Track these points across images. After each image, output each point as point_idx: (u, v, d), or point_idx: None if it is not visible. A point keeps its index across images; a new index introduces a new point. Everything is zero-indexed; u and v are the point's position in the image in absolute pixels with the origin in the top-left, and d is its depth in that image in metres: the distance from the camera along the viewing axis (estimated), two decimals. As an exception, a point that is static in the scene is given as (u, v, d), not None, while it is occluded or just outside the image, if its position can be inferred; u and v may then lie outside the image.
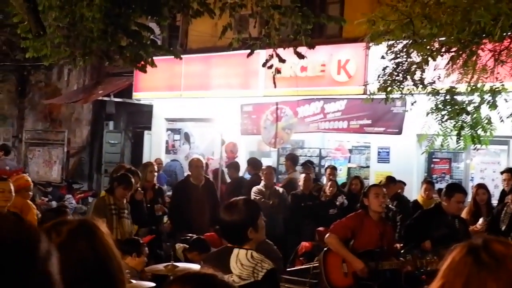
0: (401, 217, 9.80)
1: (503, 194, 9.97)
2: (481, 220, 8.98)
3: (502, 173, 10.34)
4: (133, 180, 8.66)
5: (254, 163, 13.45)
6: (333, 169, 13.12)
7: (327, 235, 7.52)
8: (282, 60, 8.82)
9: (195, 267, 5.83)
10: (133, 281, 5.84)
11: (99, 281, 1.99)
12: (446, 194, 7.82)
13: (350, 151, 16.13)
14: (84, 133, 21.35)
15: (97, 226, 2.10)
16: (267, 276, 4.04)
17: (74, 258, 1.97)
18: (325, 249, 7.57)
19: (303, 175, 12.32)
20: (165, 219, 10.47)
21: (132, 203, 8.92)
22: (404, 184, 11.66)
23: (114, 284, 2.04)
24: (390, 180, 11.25)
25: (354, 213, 7.84)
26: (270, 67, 9.03)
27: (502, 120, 8.61)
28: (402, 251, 7.77)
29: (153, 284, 5.92)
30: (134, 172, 9.26)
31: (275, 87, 9.66)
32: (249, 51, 9.21)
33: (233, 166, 13.68)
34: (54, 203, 14.98)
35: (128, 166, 10.02)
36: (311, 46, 8.71)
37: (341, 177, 14.99)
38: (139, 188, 9.48)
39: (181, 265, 6.36)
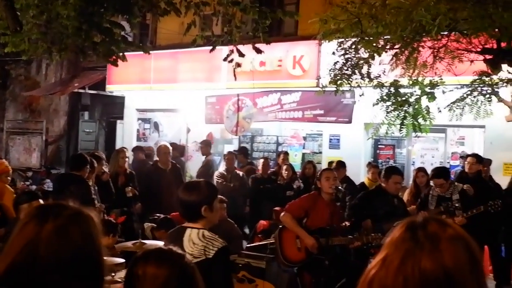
0: (350, 198, 9.85)
1: (462, 176, 9.99)
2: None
3: (466, 157, 10.35)
4: (95, 163, 8.54)
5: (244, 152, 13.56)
6: (286, 154, 13.13)
7: (282, 214, 7.52)
8: (241, 55, 8.77)
9: (161, 244, 5.76)
10: (105, 257, 5.75)
11: (83, 265, 1.96)
12: (384, 176, 7.89)
13: (305, 138, 16.17)
14: (62, 123, 21.10)
15: (90, 216, 2.07)
16: (218, 253, 3.93)
17: (66, 241, 1.94)
18: (280, 226, 7.56)
19: (261, 160, 12.33)
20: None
21: (99, 184, 8.81)
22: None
23: (96, 269, 2.02)
24: (340, 164, 11.30)
25: (308, 194, 7.85)
26: (231, 61, 8.98)
27: (440, 111, 8.70)
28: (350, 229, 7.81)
29: (123, 260, 5.85)
30: (97, 157, 9.14)
31: (235, 79, 9.62)
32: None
33: (205, 143, 13.64)
34: (34, 187, 14.77)
35: (96, 152, 9.90)
36: (267, 42, 8.68)
37: (296, 162, 15.05)
38: (105, 171, 9.39)
39: (149, 242, 6.29)
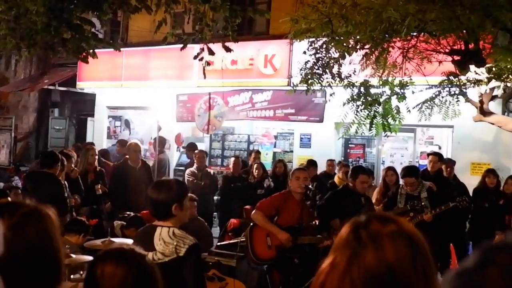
0: (320, 197, 9.89)
1: (424, 174, 10.12)
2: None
3: (428, 155, 10.52)
4: (65, 161, 8.48)
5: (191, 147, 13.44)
6: (258, 153, 13.16)
7: (254, 211, 7.52)
8: (211, 53, 8.78)
9: (130, 242, 5.74)
10: (73, 255, 5.72)
11: (40, 263, 1.96)
12: (351, 175, 7.94)
13: (276, 137, 16.21)
14: (31, 120, 20.90)
15: (47, 214, 2.06)
16: (189, 251, 3.92)
17: (21, 239, 1.94)
18: (251, 224, 7.57)
19: (232, 159, 12.33)
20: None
21: (68, 181, 8.76)
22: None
23: (54, 266, 2.02)
24: (311, 163, 11.35)
25: (279, 193, 7.86)
26: (201, 59, 8.98)
27: (409, 110, 8.80)
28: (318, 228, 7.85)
29: (91, 258, 5.81)
30: (67, 155, 9.08)
31: (204, 77, 9.61)
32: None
33: (160, 141, 13.56)
34: (1, 184, 14.56)
35: (65, 150, 9.84)
36: (236, 41, 8.71)
37: (268, 160, 15.07)
38: (75, 168, 9.33)
39: (117, 240, 6.26)
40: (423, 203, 8.20)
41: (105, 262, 2.40)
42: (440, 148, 13.54)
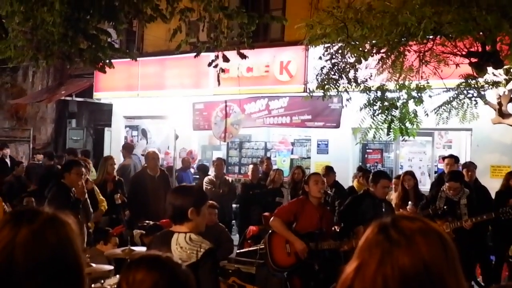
0: (339, 202, 9.86)
1: (440, 177, 10.09)
2: (410, 204, 9.10)
3: (443, 159, 10.54)
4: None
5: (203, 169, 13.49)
6: (268, 159, 13.23)
7: (272, 218, 7.52)
8: (226, 60, 8.80)
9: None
10: (93, 264, 5.75)
11: (61, 270, 1.91)
12: (372, 180, 7.90)
13: (293, 143, 16.20)
14: (49, 131, 21.06)
15: (68, 222, 2.00)
16: (205, 255, 3.94)
17: (42, 246, 1.88)
18: (270, 231, 7.57)
19: (251, 166, 12.34)
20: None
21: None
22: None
23: (75, 274, 1.97)
24: (329, 170, 11.31)
25: (296, 199, 7.85)
26: (216, 66, 9.00)
27: (427, 114, 8.75)
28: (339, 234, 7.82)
29: (111, 267, 5.84)
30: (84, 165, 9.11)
31: (219, 85, 9.60)
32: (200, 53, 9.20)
33: (124, 146, 13.56)
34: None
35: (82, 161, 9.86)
36: (252, 47, 8.72)
37: (285, 167, 15.06)
38: (88, 179, 9.33)
39: (137, 249, 6.28)
40: (444, 207, 8.22)
41: (138, 268, 2.36)
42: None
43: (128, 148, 13.52)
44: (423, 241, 1.66)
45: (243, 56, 8.86)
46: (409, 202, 9.16)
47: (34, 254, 1.87)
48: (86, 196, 7.93)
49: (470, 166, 10.25)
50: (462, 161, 11.51)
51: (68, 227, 2.00)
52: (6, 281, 1.84)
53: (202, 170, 13.42)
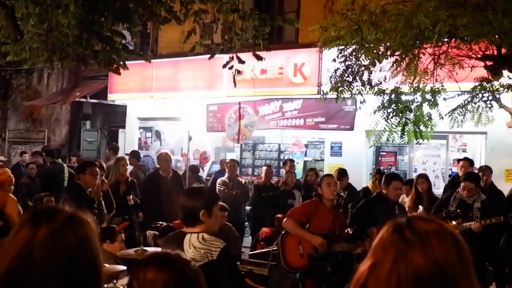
0: (352, 205, 9.85)
1: (455, 180, 10.06)
2: (421, 208, 9.09)
3: (458, 161, 10.53)
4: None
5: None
6: (292, 161, 13.13)
7: (285, 219, 7.52)
8: (241, 62, 8.82)
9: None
10: (106, 265, 5.76)
11: (80, 269, 1.90)
12: (385, 182, 7.90)
13: (306, 146, 16.19)
14: (63, 132, 21.17)
15: (87, 220, 2.00)
16: (222, 254, 3.98)
17: (61, 245, 1.87)
18: (283, 233, 7.57)
19: (264, 168, 12.34)
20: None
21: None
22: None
23: (94, 273, 1.96)
24: (342, 173, 11.28)
25: (309, 200, 7.85)
26: (231, 68, 9.02)
27: (441, 117, 8.71)
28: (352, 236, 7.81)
29: (124, 268, 5.85)
30: (99, 166, 9.13)
31: (235, 86, 9.64)
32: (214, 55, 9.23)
33: (132, 153, 13.55)
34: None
35: (96, 161, 9.88)
36: (268, 49, 8.74)
37: (298, 169, 15.05)
38: (104, 180, 9.35)
39: (150, 249, 6.29)
40: (458, 211, 8.19)
41: (148, 267, 2.34)
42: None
43: (136, 156, 13.50)
44: (437, 242, 1.67)
45: (259, 58, 8.88)
46: (420, 206, 9.14)
47: (53, 255, 1.85)
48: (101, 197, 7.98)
49: (486, 170, 10.18)
50: (476, 165, 11.46)
51: (88, 226, 1.99)
52: (26, 283, 1.83)
53: (193, 170, 13.42)
